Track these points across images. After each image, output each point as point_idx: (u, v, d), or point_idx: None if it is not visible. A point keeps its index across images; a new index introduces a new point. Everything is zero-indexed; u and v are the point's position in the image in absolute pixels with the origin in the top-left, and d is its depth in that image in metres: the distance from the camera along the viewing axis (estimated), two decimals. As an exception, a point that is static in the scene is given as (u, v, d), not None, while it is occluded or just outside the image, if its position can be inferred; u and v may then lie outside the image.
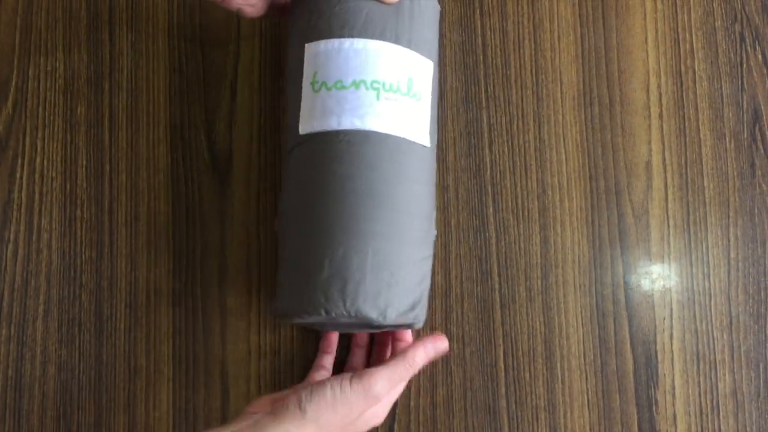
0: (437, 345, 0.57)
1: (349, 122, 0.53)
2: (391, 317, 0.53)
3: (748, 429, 0.63)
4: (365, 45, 0.54)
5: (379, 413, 0.56)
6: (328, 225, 0.53)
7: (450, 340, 0.63)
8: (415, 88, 0.55)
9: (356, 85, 0.54)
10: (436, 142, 0.58)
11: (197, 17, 0.68)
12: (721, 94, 0.67)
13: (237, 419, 0.52)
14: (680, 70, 0.67)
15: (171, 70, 0.67)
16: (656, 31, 0.67)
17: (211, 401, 0.62)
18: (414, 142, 0.55)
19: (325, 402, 0.51)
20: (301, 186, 0.55)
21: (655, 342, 0.64)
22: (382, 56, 0.54)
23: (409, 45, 0.55)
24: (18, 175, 0.65)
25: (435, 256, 0.64)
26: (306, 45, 0.55)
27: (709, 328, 0.64)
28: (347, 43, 0.54)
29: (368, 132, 0.53)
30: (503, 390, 0.63)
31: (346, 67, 0.54)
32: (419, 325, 0.56)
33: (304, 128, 0.55)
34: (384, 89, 0.54)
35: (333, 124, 0.53)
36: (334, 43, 0.54)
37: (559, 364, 0.63)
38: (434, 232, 0.58)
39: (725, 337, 0.64)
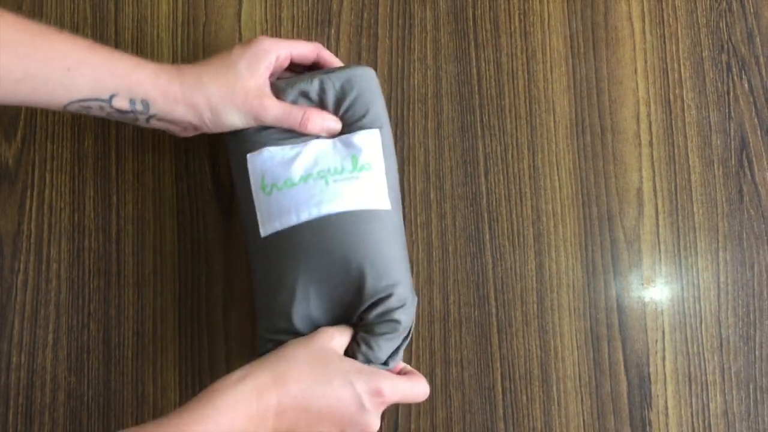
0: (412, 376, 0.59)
1: (306, 214, 0.57)
2: None
3: (739, 448, 0.65)
4: (305, 146, 0.58)
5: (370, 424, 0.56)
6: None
7: (449, 364, 0.65)
8: (363, 160, 0.58)
9: (304, 179, 0.57)
10: (400, 199, 0.61)
11: (200, 51, 0.70)
12: (709, 122, 0.69)
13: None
14: (669, 99, 0.69)
15: (175, 103, 0.68)
16: (645, 62, 0.69)
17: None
18: (374, 210, 0.58)
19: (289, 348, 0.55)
20: (273, 280, 0.58)
21: (648, 364, 0.65)
22: (323, 151, 0.58)
23: (349, 130, 0.59)
24: (27, 207, 0.67)
25: (433, 281, 0.66)
26: (248, 155, 0.59)
27: (701, 350, 0.66)
28: (288, 148, 0.58)
29: (327, 216, 0.56)
30: (501, 412, 0.65)
31: (291, 166, 0.58)
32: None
33: (265, 230, 0.58)
34: (331, 174, 0.57)
35: (293, 220, 0.57)
36: (277, 150, 0.58)
37: (555, 387, 0.65)
38: (415, 299, 0.60)
39: (716, 358, 0.66)
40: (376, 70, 0.69)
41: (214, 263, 0.66)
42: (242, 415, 0.49)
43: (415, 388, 0.57)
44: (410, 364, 0.65)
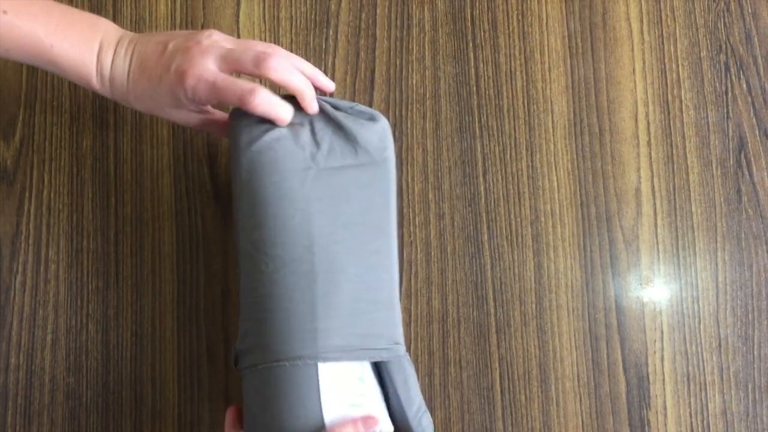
0: (369, 424, 0.55)
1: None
2: None
3: (738, 448, 0.65)
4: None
5: None
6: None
7: (447, 364, 0.65)
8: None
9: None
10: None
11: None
12: (708, 122, 0.69)
13: None
14: (667, 100, 0.69)
15: (174, 104, 0.69)
16: (644, 62, 0.69)
17: (216, 427, 0.64)
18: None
19: None
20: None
21: (646, 364, 0.65)
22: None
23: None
24: (26, 208, 0.67)
25: (432, 282, 0.66)
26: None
27: (699, 350, 0.66)
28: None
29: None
30: (500, 412, 0.65)
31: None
32: None
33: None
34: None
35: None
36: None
37: (553, 387, 0.65)
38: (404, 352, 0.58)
39: (714, 358, 0.66)
40: (374, 70, 0.69)
41: (212, 264, 0.66)
42: None
43: None
44: (409, 365, 0.65)
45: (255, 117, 0.56)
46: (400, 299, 0.66)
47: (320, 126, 0.57)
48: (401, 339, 0.57)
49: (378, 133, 0.57)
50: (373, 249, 0.56)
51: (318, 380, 0.53)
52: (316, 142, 0.56)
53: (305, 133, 0.56)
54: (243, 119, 0.57)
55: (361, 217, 0.56)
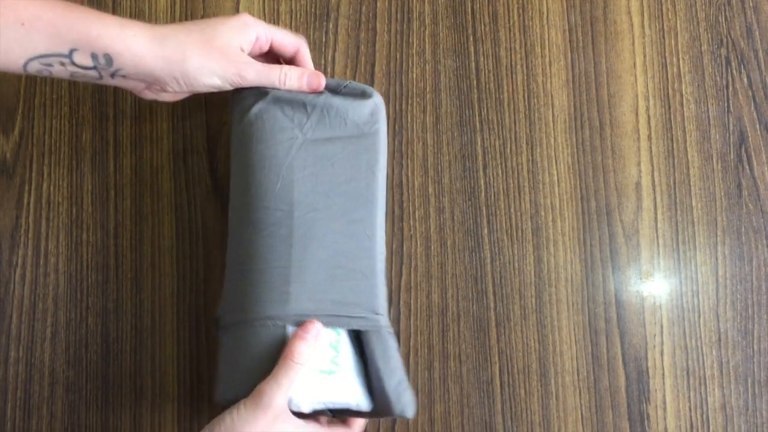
0: (306, 327, 0.55)
1: None
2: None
3: (737, 442, 0.65)
4: None
5: None
6: None
7: (447, 358, 0.65)
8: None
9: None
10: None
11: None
12: (708, 116, 0.69)
13: None
14: (668, 94, 0.69)
15: (173, 97, 0.68)
16: (644, 56, 0.69)
17: (215, 420, 0.64)
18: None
19: (222, 424, 0.52)
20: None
21: (646, 358, 0.65)
22: None
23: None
24: (25, 201, 0.67)
25: (432, 276, 0.66)
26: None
27: (699, 344, 0.66)
28: None
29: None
30: (499, 406, 0.65)
31: None
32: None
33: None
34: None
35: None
36: None
37: (553, 381, 0.65)
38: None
39: (714, 352, 0.66)
40: (374, 64, 0.69)
41: (212, 258, 0.66)
42: None
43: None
44: (409, 359, 0.65)
45: (252, 91, 0.59)
46: (399, 292, 0.66)
47: (310, 99, 0.59)
48: (383, 310, 0.58)
49: (369, 107, 0.60)
50: (355, 218, 0.58)
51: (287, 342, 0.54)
52: (307, 113, 0.58)
53: (296, 106, 0.59)
54: (241, 93, 0.59)
55: (344, 186, 0.58)
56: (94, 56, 0.53)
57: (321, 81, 0.59)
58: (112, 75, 0.54)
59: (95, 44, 0.52)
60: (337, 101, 0.59)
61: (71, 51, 0.52)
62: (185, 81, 0.56)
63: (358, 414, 0.57)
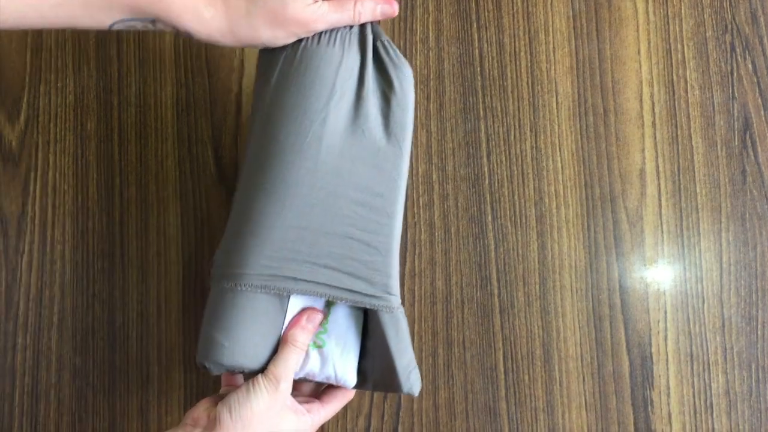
0: (312, 318, 0.57)
1: None
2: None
3: (740, 427, 0.65)
4: None
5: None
6: None
7: (451, 344, 0.66)
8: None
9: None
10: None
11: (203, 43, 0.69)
12: (713, 102, 0.69)
13: (175, 430, 0.53)
14: (672, 80, 0.69)
15: (177, 85, 0.69)
16: (649, 42, 0.69)
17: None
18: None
19: (246, 404, 0.53)
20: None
21: (650, 344, 0.66)
22: None
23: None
24: (31, 189, 0.67)
25: (436, 262, 0.66)
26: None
27: (703, 330, 0.66)
28: None
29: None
30: (503, 392, 0.65)
31: None
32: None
33: None
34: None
35: None
36: None
37: (557, 367, 0.65)
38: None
39: (718, 338, 0.66)
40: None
41: (217, 245, 0.66)
42: None
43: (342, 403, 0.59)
44: (413, 345, 0.65)
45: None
46: (404, 279, 0.66)
47: (365, 56, 0.56)
48: (395, 290, 0.56)
49: (408, 79, 0.57)
50: (377, 192, 0.55)
51: (286, 311, 0.55)
52: (362, 66, 0.56)
53: (352, 58, 0.56)
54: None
55: (372, 159, 0.55)
56: (174, 28, 0.54)
57: (395, 7, 0.58)
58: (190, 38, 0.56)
59: (176, 22, 0.53)
60: (388, 64, 0.56)
61: (153, 21, 0.54)
62: (256, 47, 0.57)
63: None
